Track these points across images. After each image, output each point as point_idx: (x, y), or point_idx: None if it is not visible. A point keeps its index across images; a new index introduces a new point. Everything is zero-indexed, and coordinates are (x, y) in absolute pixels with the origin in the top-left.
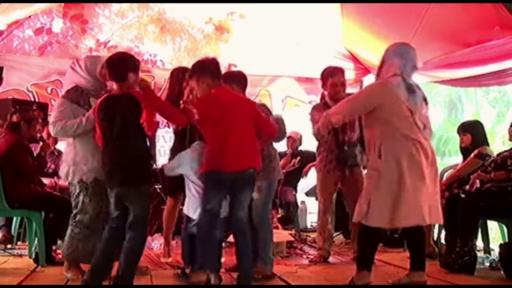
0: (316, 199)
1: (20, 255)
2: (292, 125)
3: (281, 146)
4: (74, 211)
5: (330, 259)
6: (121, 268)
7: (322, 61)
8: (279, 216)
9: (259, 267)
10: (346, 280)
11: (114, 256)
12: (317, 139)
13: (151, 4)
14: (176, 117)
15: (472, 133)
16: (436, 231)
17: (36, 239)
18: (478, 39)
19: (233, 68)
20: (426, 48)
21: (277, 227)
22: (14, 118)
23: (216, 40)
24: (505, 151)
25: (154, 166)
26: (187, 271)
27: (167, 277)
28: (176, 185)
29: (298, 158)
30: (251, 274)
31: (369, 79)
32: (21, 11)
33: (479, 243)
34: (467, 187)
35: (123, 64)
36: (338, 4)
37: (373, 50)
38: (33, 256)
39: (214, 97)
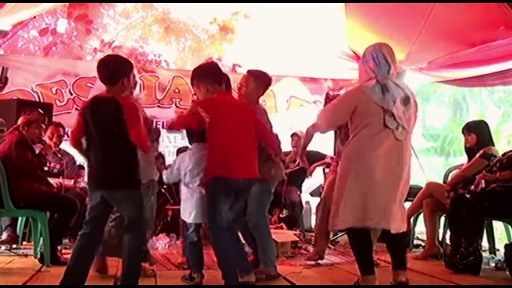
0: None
1: (26, 255)
2: (296, 125)
3: (285, 146)
4: None
5: (335, 259)
6: (124, 269)
7: (326, 61)
8: (283, 216)
9: (262, 268)
10: (351, 280)
11: (89, 260)
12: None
13: (155, 4)
14: (188, 123)
15: (477, 133)
16: (441, 231)
17: (41, 239)
18: (482, 39)
19: (237, 69)
20: (430, 48)
21: (281, 227)
22: (19, 120)
23: (221, 40)
24: (510, 151)
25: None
26: (194, 275)
27: (172, 278)
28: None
29: None
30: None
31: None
32: (26, 11)
33: (484, 243)
34: (472, 187)
35: (117, 68)
36: (342, 4)
37: None
38: (38, 256)
39: (217, 101)
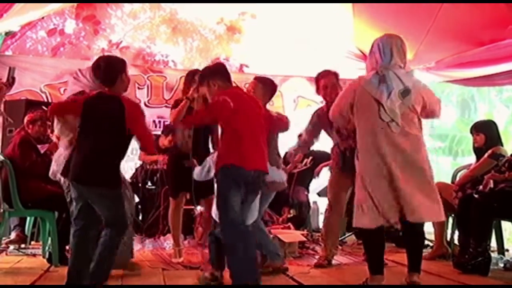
0: None
1: (34, 255)
2: (304, 125)
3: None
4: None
5: (343, 259)
6: (94, 266)
7: (333, 61)
8: (290, 216)
9: (268, 263)
10: (359, 280)
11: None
12: (330, 136)
13: (163, 5)
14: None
15: (486, 133)
16: (449, 231)
17: (50, 239)
18: (491, 38)
19: (244, 69)
20: (438, 47)
21: (289, 227)
22: (25, 120)
23: (228, 40)
24: None
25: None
26: (217, 274)
27: (180, 277)
28: (179, 186)
29: (310, 158)
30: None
31: None
32: (34, 12)
33: (493, 243)
34: (481, 187)
35: (109, 67)
36: (350, 4)
37: None
38: (47, 255)
39: (235, 92)
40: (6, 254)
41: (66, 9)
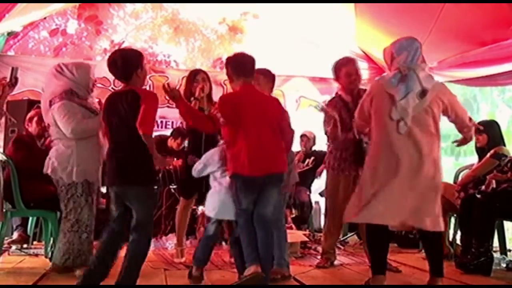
0: None
1: (36, 255)
2: (305, 125)
3: (294, 146)
4: (75, 215)
5: (344, 259)
6: (124, 270)
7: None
8: (293, 216)
9: (276, 269)
10: (360, 280)
11: (113, 258)
12: (327, 135)
13: (164, 5)
14: (204, 125)
15: (488, 133)
16: (451, 232)
17: (52, 238)
18: (493, 38)
19: None
20: (440, 47)
21: (291, 228)
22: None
23: (230, 40)
24: None
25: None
26: (193, 270)
27: (181, 277)
28: (191, 186)
29: (312, 158)
30: (268, 271)
31: None
32: (36, 12)
33: (495, 244)
34: (483, 187)
35: (128, 63)
36: (352, 4)
37: None
38: (49, 255)
39: (235, 97)
40: (9, 254)
41: (68, 9)
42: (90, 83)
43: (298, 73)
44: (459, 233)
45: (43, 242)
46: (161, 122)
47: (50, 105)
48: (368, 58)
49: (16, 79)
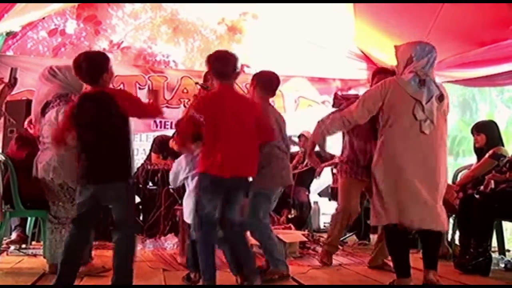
0: (329, 199)
1: (35, 255)
2: (304, 125)
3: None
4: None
5: (343, 260)
6: (116, 269)
7: (335, 61)
8: (291, 216)
9: (272, 269)
10: (359, 281)
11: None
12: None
13: (164, 5)
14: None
15: (487, 133)
16: (450, 232)
17: None
18: (492, 38)
19: (245, 69)
20: (439, 47)
21: (290, 228)
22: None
23: (229, 40)
24: None
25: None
26: (192, 276)
27: (180, 278)
28: None
29: None
30: (255, 272)
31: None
32: (35, 12)
33: (494, 244)
34: (482, 187)
35: (94, 67)
36: (351, 4)
37: (386, 50)
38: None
39: (214, 97)
40: (7, 254)
41: (67, 9)
42: (84, 86)
43: (297, 73)
44: (457, 233)
45: (41, 242)
46: (160, 122)
47: (45, 108)
48: (367, 58)
49: (15, 79)
